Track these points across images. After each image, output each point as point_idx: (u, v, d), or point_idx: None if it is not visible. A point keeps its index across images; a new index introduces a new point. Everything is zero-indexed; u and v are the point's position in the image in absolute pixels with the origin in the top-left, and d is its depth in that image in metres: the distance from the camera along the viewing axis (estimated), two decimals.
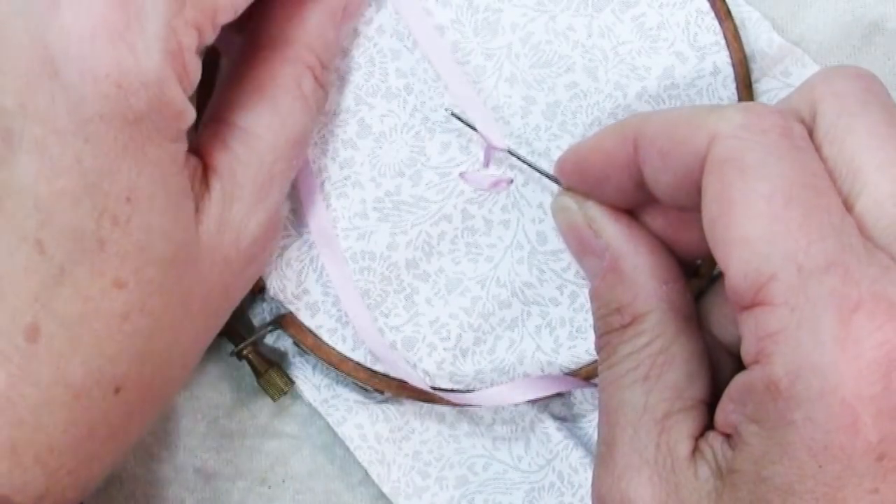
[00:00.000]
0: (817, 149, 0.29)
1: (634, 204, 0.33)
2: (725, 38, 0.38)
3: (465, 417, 0.38)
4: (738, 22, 0.38)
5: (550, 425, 0.38)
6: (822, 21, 0.39)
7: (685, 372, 0.31)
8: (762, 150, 0.28)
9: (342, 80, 0.38)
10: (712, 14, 0.38)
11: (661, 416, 0.30)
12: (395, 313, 0.37)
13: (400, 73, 0.38)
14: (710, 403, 0.31)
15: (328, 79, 0.36)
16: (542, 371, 0.37)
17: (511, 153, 0.37)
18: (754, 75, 0.38)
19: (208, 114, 0.34)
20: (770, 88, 0.38)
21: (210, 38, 0.31)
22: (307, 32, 0.34)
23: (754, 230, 0.27)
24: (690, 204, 0.30)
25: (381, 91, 0.38)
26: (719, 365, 0.33)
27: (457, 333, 0.37)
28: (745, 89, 0.37)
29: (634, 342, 0.32)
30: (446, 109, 0.38)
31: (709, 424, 0.31)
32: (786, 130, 0.29)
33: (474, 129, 0.37)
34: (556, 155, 0.37)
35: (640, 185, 0.32)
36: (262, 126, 0.33)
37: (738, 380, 0.29)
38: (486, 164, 0.38)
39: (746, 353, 0.28)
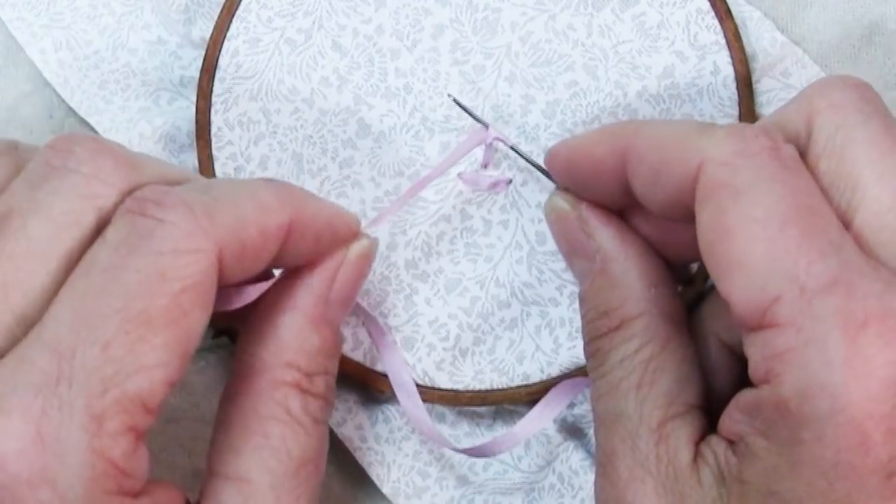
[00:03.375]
0: (815, 163, 0.29)
1: (622, 206, 0.33)
2: (726, 37, 0.37)
3: (465, 418, 0.38)
4: (738, 22, 0.38)
5: (551, 426, 0.38)
6: (823, 21, 0.39)
7: (677, 378, 0.31)
8: (753, 174, 0.28)
9: (342, 79, 0.38)
10: (713, 13, 0.38)
11: (657, 425, 0.30)
12: (394, 313, 0.37)
13: (399, 72, 0.38)
14: (705, 408, 0.31)
15: (323, 384, 0.32)
16: (542, 372, 0.37)
17: (514, 149, 0.37)
18: (755, 75, 0.38)
19: (206, 468, 0.31)
20: (770, 89, 0.38)
21: (151, 420, 0.27)
22: (284, 349, 0.31)
23: (753, 255, 0.27)
24: (681, 218, 0.30)
25: (380, 91, 0.38)
26: (724, 368, 0.33)
27: (456, 333, 0.37)
28: (746, 89, 0.37)
29: (625, 348, 0.31)
30: (449, 95, 0.38)
31: (707, 428, 0.30)
32: (775, 152, 0.28)
33: (475, 116, 0.37)
34: None
35: (628, 192, 0.32)
36: (255, 470, 0.31)
37: (747, 395, 0.28)
38: (486, 162, 0.37)
39: (754, 372, 0.28)
